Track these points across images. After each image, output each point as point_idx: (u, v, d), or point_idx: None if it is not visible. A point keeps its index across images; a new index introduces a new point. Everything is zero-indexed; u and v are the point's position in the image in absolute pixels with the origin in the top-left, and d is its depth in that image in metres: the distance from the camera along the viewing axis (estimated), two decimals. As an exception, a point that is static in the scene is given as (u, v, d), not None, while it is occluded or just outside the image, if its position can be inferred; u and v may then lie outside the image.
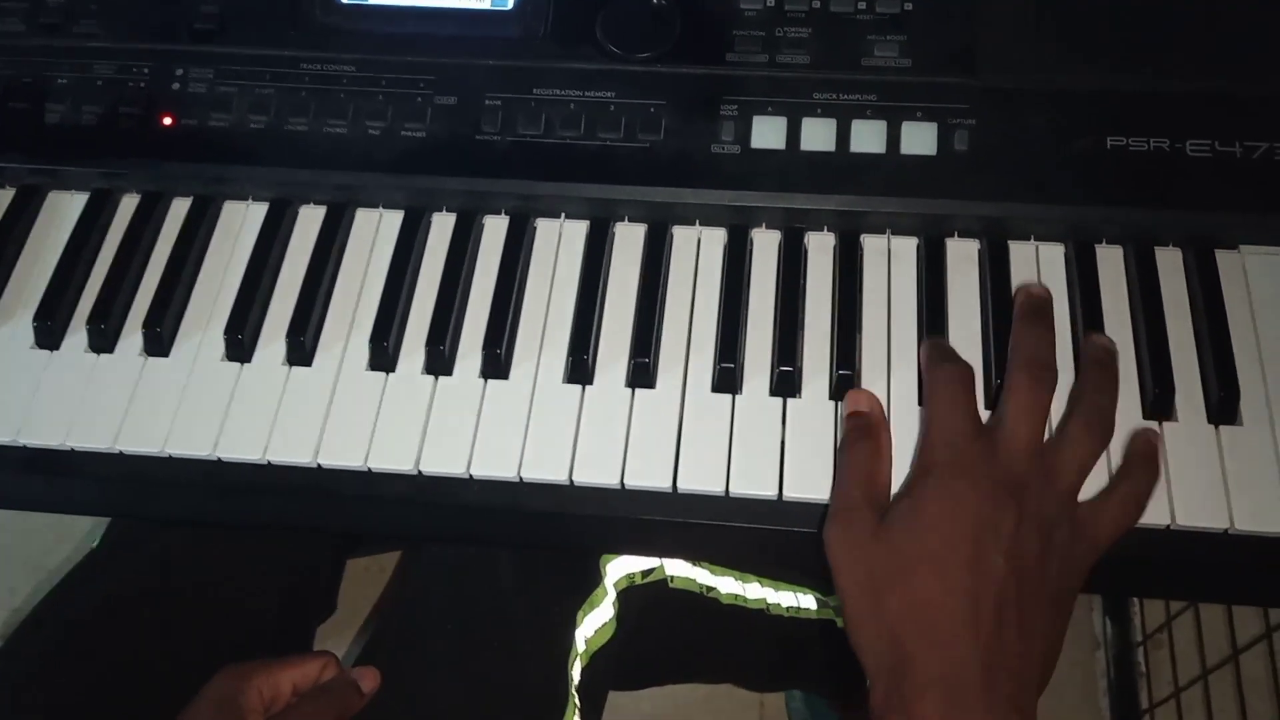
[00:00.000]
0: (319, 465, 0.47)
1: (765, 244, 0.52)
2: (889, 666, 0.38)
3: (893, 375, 0.48)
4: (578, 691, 0.55)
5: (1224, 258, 0.49)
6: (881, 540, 0.40)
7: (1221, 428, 0.46)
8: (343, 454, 0.47)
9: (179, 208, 0.54)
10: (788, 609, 0.77)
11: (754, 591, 0.75)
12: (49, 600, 0.59)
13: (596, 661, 0.57)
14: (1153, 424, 0.46)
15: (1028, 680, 0.38)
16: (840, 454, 0.45)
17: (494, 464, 0.46)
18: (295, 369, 0.50)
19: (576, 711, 0.55)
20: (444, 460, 0.47)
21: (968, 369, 0.44)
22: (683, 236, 0.52)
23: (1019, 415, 0.42)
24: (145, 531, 0.62)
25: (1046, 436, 0.43)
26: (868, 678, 0.39)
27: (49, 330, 0.51)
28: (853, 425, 0.45)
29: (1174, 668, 0.93)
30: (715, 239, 0.52)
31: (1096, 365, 0.45)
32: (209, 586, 0.61)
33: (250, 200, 0.54)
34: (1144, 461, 0.43)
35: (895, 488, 0.44)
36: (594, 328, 0.49)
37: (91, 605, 0.58)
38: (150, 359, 0.50)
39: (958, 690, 0.36)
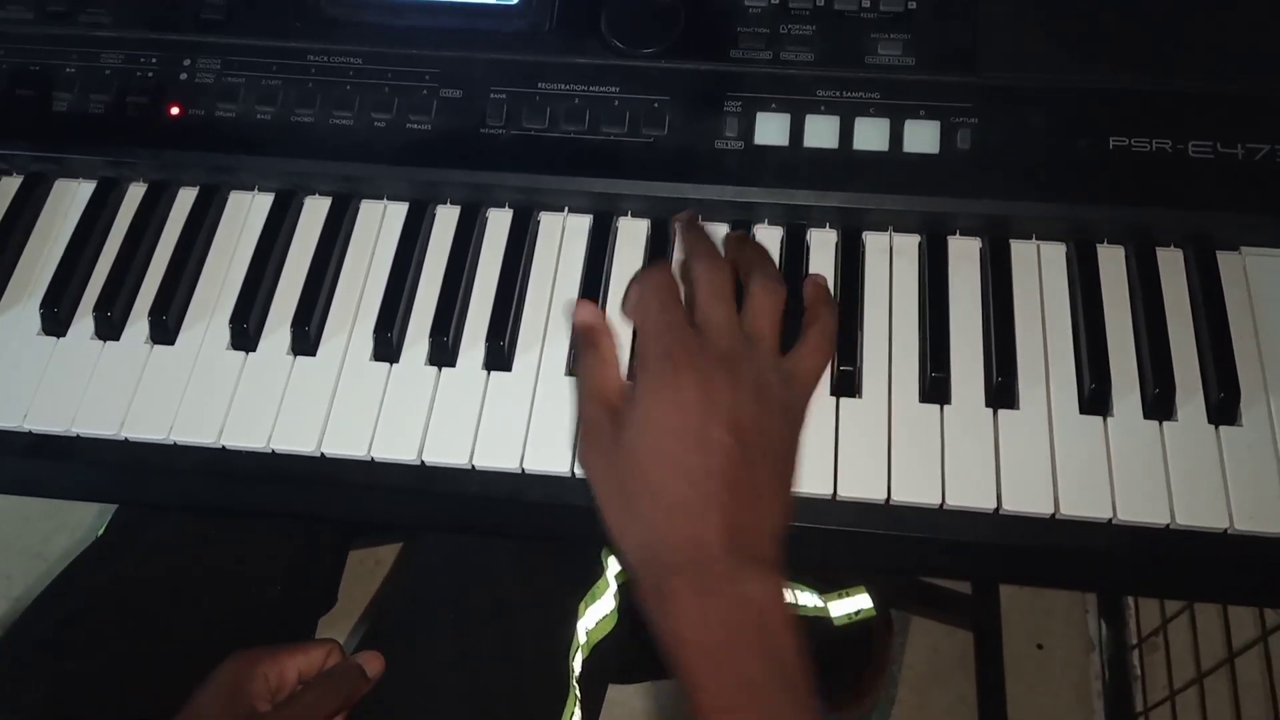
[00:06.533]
0: (322, 454, 0.47)
1: (768, 240, 0.52)
2: (645, 560, 0.41)
3: (893, 371, 0.48)
4: (578, 683, 0.55)
5: (1225, 259, 0.50)
6: (621, 446, 0.43)
7: (1222, 428, 0.46)
8: (346, 443, 0.47)
9: (185, 197, 0.55)
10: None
11: (752, 588, 0.75)
12: (53, 587, 0.60)
13: (597, 653, 0.57)
14: (1153, 423, 0.46)
15: (768, 530, 0.41)
16: (576, 370, 0.48)
17: (496, 455, 0.47)
18: (299, 358, 0.50)
19: (577, 703, 0.55)
20: (446, 450, 0.47)
21: (663, 269, 0.47)
22: (686, 231, 0.52)
23: (709, 299, 0.45)
24: (149, 520, 0.62)
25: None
26: (635, 579, 0.42)
27: (55, 317, 0.51)
28: (580, 341, 0.48)
29: (1169, 671, 0.94)
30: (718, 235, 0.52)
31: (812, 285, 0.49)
32: (212, 576, 0.61)
33: (256, 190, 0.55)
34: (820, 304, 0.47)
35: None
36: (597, 321, 0.50)
37: (95, 593, 0.58)
38: (156, 347, 0.51)
39: (703, 564, 0.39)
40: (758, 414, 0.42)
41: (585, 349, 0.47)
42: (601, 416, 0.44)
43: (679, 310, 0.45)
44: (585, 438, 0.45)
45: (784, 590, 0.40)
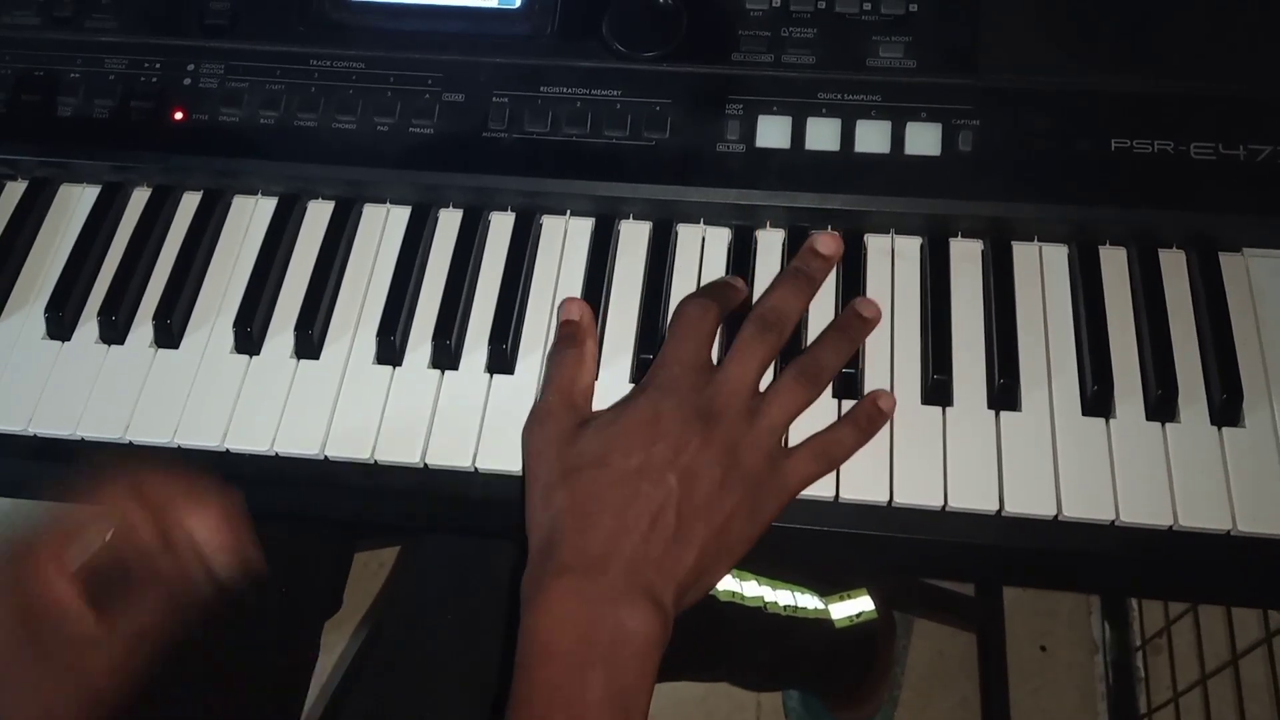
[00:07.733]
0: (326, 457, 0.48)
1: (770, 243, 0.52)
2: (541, 550, 0.41)
3: (895, 374, 0.48)
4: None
5: (1227, 260, 0.50)
6: (572, 440, 0.43)
7: (1224, 429, 0.46)
8: (350, 446, 0.48)
9: (189, 201, 0.55)
10: (785, 608, 0.77)
11: (751, 589, 0.75)
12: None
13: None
14: (1156, 425, 0.46)
15: (675, 580, 0.40)
16: (549, 360, 0.48)
17: (498, 458, 0.47)
18: (303, 362, 0.50)
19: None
20: (450, 453, 0.47)
21: (714, 308, 0.46)
22: (687, 234, 0.52)
23: (735, 357, 0.45)
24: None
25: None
26: (527, 566, 0.42)
27: (60, 321, 0.51)
28: (562, 333, 0.48)
29: (1173, 672, 0.93)
30: (720, 238, 0.52)
31: (836, 327, 0.47)
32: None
33: (260, 195, 0.55)
34: (855, 420, 0.45)
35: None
36: (598, 324, 0.50)
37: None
38: (160, 350, 0.51)
39: (593, 576, 0.39)
40: (720, 480, 0.41)
41: (565, 343, 0.47)
42: (562, 409, 0.45)
43: (699, 348, 0.45)
44: (539, 421, 0.45)
45: (658, 644, 0.39)
